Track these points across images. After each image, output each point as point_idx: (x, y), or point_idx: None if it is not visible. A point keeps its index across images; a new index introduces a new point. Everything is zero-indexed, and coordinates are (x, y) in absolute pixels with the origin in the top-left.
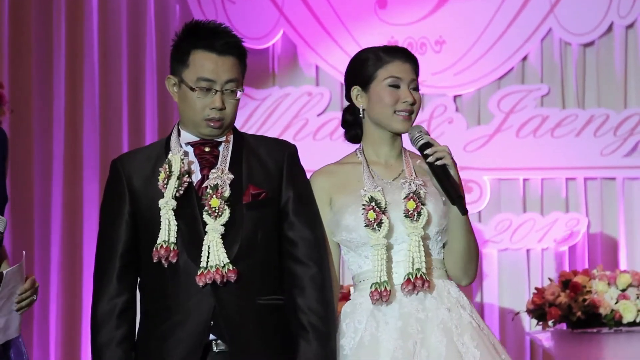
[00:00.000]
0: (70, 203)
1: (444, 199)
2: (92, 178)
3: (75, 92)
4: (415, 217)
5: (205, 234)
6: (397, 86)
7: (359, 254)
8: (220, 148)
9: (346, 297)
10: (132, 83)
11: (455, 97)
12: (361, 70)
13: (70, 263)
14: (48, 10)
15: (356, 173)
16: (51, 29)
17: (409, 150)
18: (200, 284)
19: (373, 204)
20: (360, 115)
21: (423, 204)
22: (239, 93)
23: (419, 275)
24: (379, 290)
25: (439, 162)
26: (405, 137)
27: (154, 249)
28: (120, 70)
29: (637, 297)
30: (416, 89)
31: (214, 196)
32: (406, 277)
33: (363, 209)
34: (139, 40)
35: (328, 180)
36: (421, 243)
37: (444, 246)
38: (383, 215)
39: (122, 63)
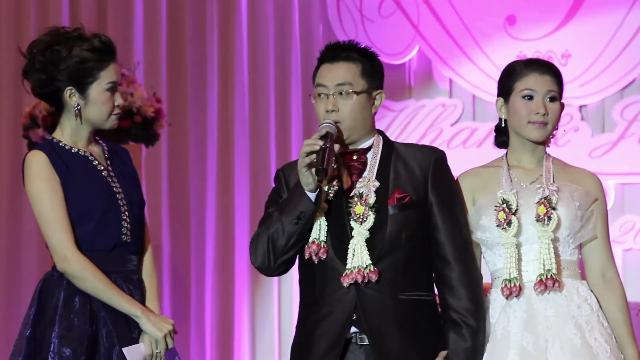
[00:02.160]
0: (223, 208)
1: (577, 204)
2: (242, 186)
3: (227, 107)
4: (546, 221)
5: (352, 238)
6: (530, 97)
7: (494, 252)
8: (369, 155)
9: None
10: (279, 97)
11: (580, 107)
12: (503, 82)
13: (224, 263)
14: (202, 32)
15: (498, 176)
16: (205, 49)
17: (553, 157)
18: (345, 284)
19: (504, 205)
20: (502, 125)
21: (554, 209)
22: (354, 96)
23: (549, 276)
24: (509, 286)
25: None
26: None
27: (306, 246)
28: (267, 86)
29: None
30: (555, 99)
31: (359, 203)
32: (538, 278)
33: (494, 209)
34: (285, 58)
35: (473, 180)
36: (551, 245)
37: (579, 248)
38: (513, 215)
39: (270, 78)
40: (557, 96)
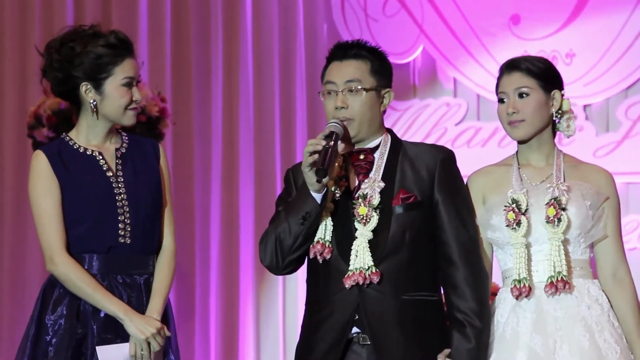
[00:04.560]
0: (228, 207)
1: (588, 203)
2: (247, 185)
3: (232, 106)
4: (556, 222)
5: (355, 238)
6: (504, 100)
7: (505, 251)
8: (376, 155)
9: (493, 293)
10: (283, 95)
11: (585, 106)
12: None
13: (228, 262)
14: (206, 31)
15: (509, 175)
16: (209, 49)
17: (565, 155)
18: (347, 285)
19: (514, 205)
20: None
21: (563, 210)
22: (363, 92)
23: (560, 278)
24: (519, 287)
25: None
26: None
27: (311, 245)
28: (272, 84)
29: None
30: (525, 94)
31: (362, 204)
32: (548, 280)
33: (504, 209)
34: (290, 56)
35: (483, 179)
36: (561, 247)
37: (590, 246)
38: (522, 216)
39: (275, 77)
40: (528, 91)
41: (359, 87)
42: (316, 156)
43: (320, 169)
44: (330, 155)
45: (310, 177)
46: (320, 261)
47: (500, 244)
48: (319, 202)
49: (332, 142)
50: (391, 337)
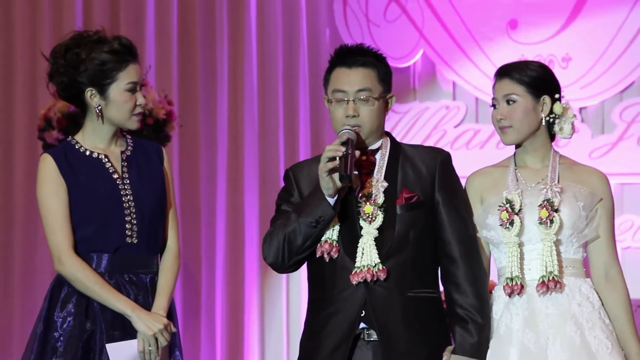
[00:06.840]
0: (233, 208)
1: (581, 204)
2: (252, 186)
3: (237, 109)
4: (548, 224)
5: (361, 237)
6: (495, 106)
7: (500, 250)
8: (377, 156)
9: (489, 291)
10: (287, 98)
11: (580, 109)
12: None
13: (233, 261)
14: (212, 36)
15: (506, 175)
16: (214, 53)
17: (562, 156)
18: (354, 282)
19: (507, 205)
20: None
21: (556, 211)
22: (375, 102)
23: (551, 278)
24: (511, 285)
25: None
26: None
27: (318, 244)
28: (276, 87)
29: None
30: (512, 100)
31: (367, 203)
32: (540, 280)
33: (498, 209)
34: (293, 61)
35: (482, 180)
36: (554, 247)
37: (584, 246)
38: (516, 215)
39: (278, 80)
40: (516, 97)
41: (371, 96)
42: (336, 162)
43: (345, 176)
44: (351, 162)
45: (327, 181)
46: (327, 260)
47: (495, 242)
48: (332, 205)
49: (351, 149)
50: (397, 333)
